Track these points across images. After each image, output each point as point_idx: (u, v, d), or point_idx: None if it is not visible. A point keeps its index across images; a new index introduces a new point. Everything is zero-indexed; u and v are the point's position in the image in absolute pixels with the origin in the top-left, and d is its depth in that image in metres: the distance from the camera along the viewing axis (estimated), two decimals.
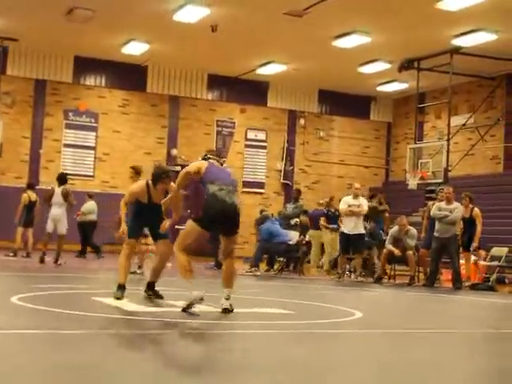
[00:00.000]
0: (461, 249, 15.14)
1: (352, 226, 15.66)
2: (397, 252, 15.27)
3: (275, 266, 17.33)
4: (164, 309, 7.95)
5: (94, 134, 23.81)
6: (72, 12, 18.60)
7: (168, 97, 24.76)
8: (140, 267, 13.38)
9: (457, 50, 19.94)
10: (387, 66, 22.46)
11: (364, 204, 15.95)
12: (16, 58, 22.68)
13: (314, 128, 26.96)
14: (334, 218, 17.79)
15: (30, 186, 17.96)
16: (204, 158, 8.11)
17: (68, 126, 23.53)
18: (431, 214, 15.16)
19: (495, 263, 16.09)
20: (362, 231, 15.90)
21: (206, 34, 19.29)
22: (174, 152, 24.25)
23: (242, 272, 15.50)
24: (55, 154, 23.27)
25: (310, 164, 26.81)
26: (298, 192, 20.00)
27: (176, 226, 10.42)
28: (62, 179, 15.79)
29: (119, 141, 23.96)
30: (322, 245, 18.96)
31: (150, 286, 8.74)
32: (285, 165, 26.22)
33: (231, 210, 7.66)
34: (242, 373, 4.74)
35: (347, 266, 16.46)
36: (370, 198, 18.76)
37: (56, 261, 15.08)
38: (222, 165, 8.28)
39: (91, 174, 23.59)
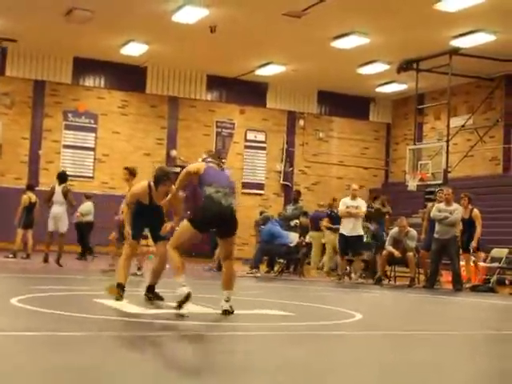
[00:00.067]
0: (460, 250, 15.13)
1: (350, 228, 15.66)
2: (397, 253, 15.26)
3: (275, 268, 17.31)
4: (164, 310, 7.93)
5: (94, 135, 23.81)
6: (71, 13, 18.61)
7: (167, 98, 24.76)
8: (139, 269, 13.37)
9: (456, 51, 19.95)
10: (386, 66, 22.48)
11: (362, 205, 15.95)
12: (15, 59, 22.68)
13: (314, 129, 26.97)
14: (336, 218, 17.76)
15: (30, 187, 17.94)
16: (203, 160, 8.12)
17: (67, 127, 23.53)
18: (431, 215, 15.15)
19: (495, 264, 16.08)
20: (361, 233, 15.89)
21: (204, 35, 19.29)
22: (174, 153, 24.25)
23: (243, 273, 15.50)
24: (54, 155, 23.27)
25: (310, 165, 26.82)
26: (298, 193, 20.01)
27: (177, 228, 10.42)
28: (63, 177, 15.81)
29: (118, 142, 23.96)
30: (323, 246, 18.95)
31: (150, 288, 8.73)
32: (284, 166, 26.22)
33: (228, 212, 7.66)
34: (242, 374, 4.73)
35: (347, 268, 16.47)
36: (374, 199, 18.73)
37: (58, 261, 15.11)
38: (221, 167, 8.27)
39: (91, 175, 23.59)
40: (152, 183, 8.57)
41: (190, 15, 18.29)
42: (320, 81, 25.09)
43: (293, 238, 16.67)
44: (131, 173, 13.27)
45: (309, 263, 19.13)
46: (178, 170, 20.20)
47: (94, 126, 23.83)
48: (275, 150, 26.26)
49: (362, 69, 22.84)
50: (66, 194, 15.46)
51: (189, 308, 7.43)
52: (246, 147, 25.89)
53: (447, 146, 21.09)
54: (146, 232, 9.24)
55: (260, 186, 25.94)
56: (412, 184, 21.63)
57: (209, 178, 7.77)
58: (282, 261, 17.28)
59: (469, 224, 15.15)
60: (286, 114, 26.52)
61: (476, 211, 15.26)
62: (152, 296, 8.68)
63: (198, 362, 5.11)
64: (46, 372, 4.41)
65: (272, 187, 26.16)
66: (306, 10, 17.60)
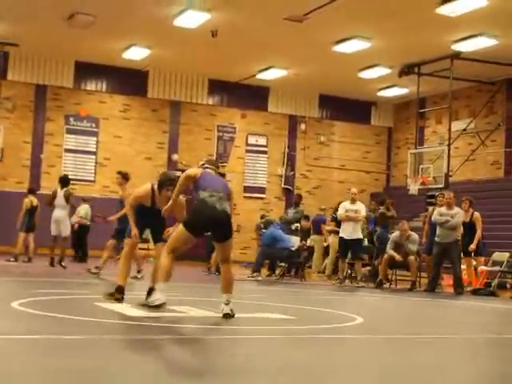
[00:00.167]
0: (462, 254, 15.12)
1: (350, 231, 15.70)
2: (398, 257, 15.26)
3: (277, 271, 17.31)
4: (165, 314, 7.92)
5: (95, 138, 23.84)
6: (73, 17, 18.64)
7: (169, 102, 24.79)
8: (139, 271, 13.38)
9: (457, 55, 19.96)
10: (387, 71, 22.50)
11: (362, 209, 15.99)
12: (17, 63, 22.71)
13: (315, 133, 26.98)
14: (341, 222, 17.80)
15: (32, 190, 17.98)
16: (201, 166, 8.19)
17: (69, 131, 23.56)
18: (432, 219, 15.15)
19: (496, 268, 16.06)
20: (360, 236, 15.96)
21: (206, 39, 19.32)
22: (175, 157, 24.26)
23: (244, 277, 15.51)
24: (56, 159, 23.29)
25: (311, 169, 26.83)
26: (299, 197, 20.05)
27: None
28: (65, 181, 15.87)
29: (120, 146, 23.98)
30: (325, 249, 18.97)
31: (152, 291, 8.73)
32: (285, 170, 26.23)
33: (221, 216, 7.66)
34: (243, 377, 4.73)
35: (348, 271, 16.47)
36: (380, 203, 18.69)
37: (60, 262, 15.14)
38: (221, 174, 8.33)
39: (92, 178, 23.61)
40: (155, 186, 8.64)
41: (191, 20, 18.33)
42: (321, 85, 25.12)
43: (294, 241, 16.68)
44: (124, 177, 13.36)
45: (310, 267, 19.15)
46: (179, 174, 20.23)
47: (95, 130, 23.86)
48: (276, 153, 26.27)
49: (363, 73, 22.86)
50: (67, 197, 15.51)
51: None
52: (248, 151, 25.91)
53: (448, 150, 21.08)
54: (148, 235, 9.28)
55: (261, 190, 25.95)
56: (413, 188, 21.63)
57: (203, 182, 7.81)
58: (283, 264, 17.28)
59: (469, 227, 15.16)
60: (287, 118, 26.54)
61: (476, 214, 15.27)
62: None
63: (199, 365, 5.11)
64: (46, 374, 4.42)
65: (273, 191, 26.17)
66: (307, 14, 17.63)
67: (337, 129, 27.40)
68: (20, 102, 22.96)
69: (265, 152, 26.14)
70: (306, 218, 19.60)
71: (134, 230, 8.67)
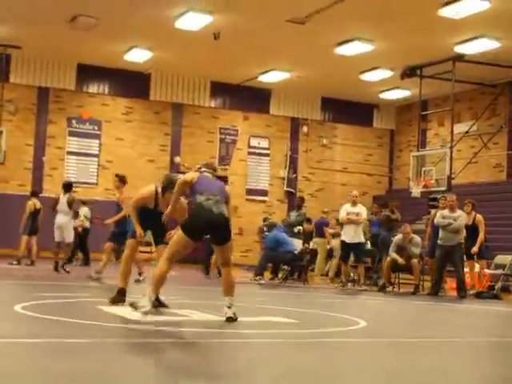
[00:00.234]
0: (465, 257, 15.09)
1: (352, 235, 15.68)
2: (400, 260, 15.23)
3: (279, 275, 17.28)
4: (168, 317, 7.91)
5: (98, 141, 23.85)
6: (75, 20, 18.65)
7: (171, 104, 24.79)
8: (140, 274, 13.37)
9: (459, 58, 19.93)
10: (390, 73, 22.49)
11: (363, 212, 15.96)
12: (19, 66, 22.73)
13: (317, 135, 26.97)
14: None
15: (34, 193, 17.98)
16: (198, 170, 8.21)
17: (71, 134, 23.57)
18: (435, 221, 15.13)
19: (499, 271, 16.04)
20: (362, 239, 15.92)
21: (208, 42, 19.32)
22: (178, 159, 24.27)
23: (246, 280, 15.50)
24: (58, 162, 23.30)
25: (313, 172, 26.81)
26: (302, 200, 20.05)
27: None
28: (67, 187, 15.86)
29: (122, 148, 23.99)
30: (328, 252, 18.96)
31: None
32: (288, 172, 26.21)
33: (219, 219, 7.65)
34: (246, 381, 4.72)
35: (351, 274, 16.46)
36: (382, 206, 18.67)
37: (63, 266, 15.15)
38: (222, 177, 8.35)
39: (94, 181, 23.61)
40: (159, 189, 8.66)
41: (193, 22, 18.32)
42: (323, 87, 25.11)
43: (297, 244, 16.67)
44: (121, 180, 13.36)
45: (312, 270, 19.13)
46: (182, 176, 20.22)
47: (97, 132, 23.87)
48: (279, 156, 26.27)
49: (365, 75, 22.85)
50: (70, 203, 15.51)
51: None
52: (250, 154, 25.90)
53: (451, 153, 21.06)
54: (150, 238, 9.28)
55: (264, 193, 25.93)
56: (416, 191, 21.58)
57: (200, 186, 7.81)
58: (285, 267, 17.26)
59: (472, 230, 15.13)
60: (289, 121, 26.52)
61: (479, 216, 15.25)
62: (157, 303, 8.67)
63: (202, 369, 5.09)
64: (48, 377, 4.41)
65: (276, 194, 26.15)
66: (309, 16, 17.62)
67: (339, 131, 27.39)
68: (22, 105, 22.98)
69: (267, 154, 26.13)
70: (309, 220, 19.60)
71: (139, 230, 8.68)
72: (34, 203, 17.24)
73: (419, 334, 8.14)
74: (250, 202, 25.41)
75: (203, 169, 8.19)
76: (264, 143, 26.09)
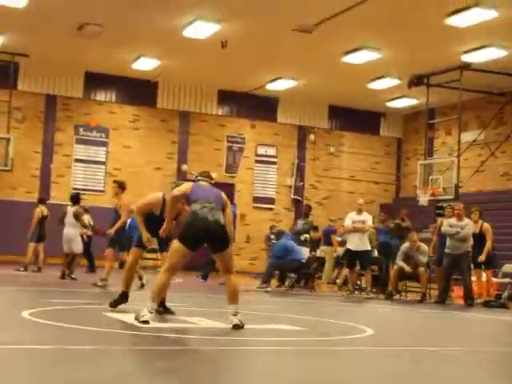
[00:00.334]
0: (472, 265, 15.05)
1: (357, 243, 15.67)
2: (407, 269, 15.20)
3: (286, 282, 17.25)
4: (175, 324, 7.92)
5: (105, 149, 23.89)
6: (82, 28, 18.71)
7: (178, 112, 24.82)
8: (141, 278, 13.38)
9: (466, 66, 19.91)
10: (397, 81, 22.48)
11: (368, 220, 15.94)
12: (27, 74, 22.79)
13: (325, 144, 26.95)
14: None
15: (42, 200, 18.03)
16: (193, 180, 8.25)
17: (78, 141, 23.61)
18: (442, 230, 15.11)
19: (507, 280, 15.99)
20: (368, 247, 15.89)
21: (216, 50, 19.35)
22: (185, 167, 24.23)
23: (253, 288, 15.49)
24: (66, 169, 23.34)
25: (320, 180, 26.79)
26: (309, 208, 20.02)
27: None
28: (75, 199, 15.92)
29: (129, 156, 24.02)
30: (336, 260, 18.93)
31: (161, 302, 8.73)
32: (295, 180, 26.20)
33: (214, 226, 7.65)
34: None
35: (358, 282, 16.42)
36: (389, 215, 18.64)
37: (71, 273, 15.18)
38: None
39: (102, 188, 23.63)
40: (167, 196, 8.67)
41: (200, 30, 18.34)
42: (331, 96, 25.12)
43: (305, 252, 16.65)
44: (120, 186, 13.38)
45: (319, 278, 19.10)
46: None
47: (105, 140, 23.92)
48: (286, 164, 26.26)
49: (372, 84, 22.85)
50: (76, 216, 15.53)
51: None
52: (257, 162, 25.91)
53: (458, 161, 21.02)
54: (156, 245, 9.30)
55: (271, 201, 25.92)
56: (423, 199, 21.53)
57: (193, 195, 7.85)
58: (292, 275, 17.22)
59: (479, 239, 15.09)
60: (296, 129, 26.52)
61: (486, 225, 15.21)
62: (163, 310, 8.69)
63: (210, 377, 5.08)
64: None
65: (283, 202, 26.13)
66: (316, 25, 17.64)
67: (346, 139, 27.37)
68: (30, 113, 23.04)
69: (274, 163, 26.13)
70: (315, 228, 19.58)
71: (146, 235, 8.69)
72: (41, 210, 17.29)
73: (427, 343, 8.11)
74: (257, 209, 25.40)
75: (198, 177, 8.24)
76: (271, 151, 26.10)
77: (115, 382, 4.62)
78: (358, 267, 16.05)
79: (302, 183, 26.32)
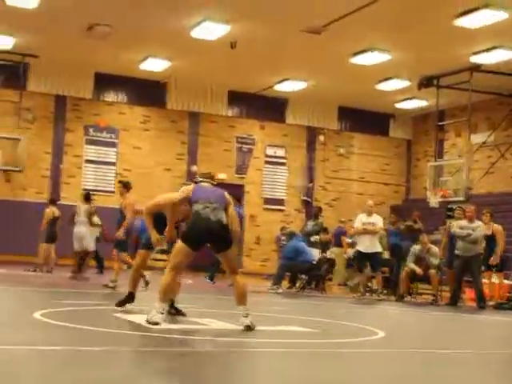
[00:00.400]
0: (483, 267, 15.00)
1: (367, 244, 15.61)
2: (419, 271, 15.16)
3: (297, 284, 17.22)
4: (185, 326, 7.91)
5: (115, 149, 23.91)
6: (92, 28, 18.74)
7: (188, 113, 24.83)
8: (143, 276, 13.36)
9: (476, 68, 19.85)
10: (406, 83, 22.43)
11: (378, 221, 15.87)
12: (37, 75, 22.82)
13: (334, 145, 26.91)
14: None
15: (53, 201, 18.03)
16: (195, 182, 8.28)
17: (88, 142, 23.64)
18: (452, 231, 15.06)
19: None
20: (379, 249, 15.84)
21: (225, 51, 19.36)
22: (194, 168, 24.25)
23: (264, 289, 15.49)
24: (76, 170, 23.37)
25: (330, 181, 26.74)
26: (319, 209, 20.00)
27: None
28: (86, 197, 15.98)
29: (139, 157, 24.03)
30: (347, 261, 18.89)
31: (171, 303, 8.74)
32: (305, 182, 26.15)
33: (216, 226, 7.67)
34: None
35: (369, 284, 16.39)
36: (398, 216, 18.61)
37: (80, 271, 15.21)
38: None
39: (112, 189, 23.63)
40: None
41: (209, 31, 18.33)
42: (340, 97, 25.08)
43: (315, 254, 16.63)
44: (125, 186, 13.41)
45: (330, 279, 19.07)
46: None
47: (115, 140, 23.94)
48: (295, 165, 26.22)
49: (381, 85, 22.80)
50: (88, 214, 15.62)
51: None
52: (266, 163, 25.89)
53: (469, 163, 20.93)
54: (165, 246, 9.31)
55: (280, 202, 25.89)
56: (433, 201, 21.47)
57: (194, 196, 7.88)
58: (303, 277, 17.19)
59: (491, 240, 15.04)
60: (305, 130, 26.48)
61: (497, 226, 15.15)
62: (174, 311, 8.70)
63: (221, 379, 5.07)
64: None
65: (293, 203, 26.08)
66: (325, 26, 17.61)
67: (356, 141, 27.32)
68: (40, 113, 23.08)
69: (283, 164, 26.11)
70: (325, 230, 19.54)
71: (155, 235, 8.68)
72: (52, 211, 17.29)
73: (438, 345, 8.08)
74: (268, 211, 25.37)
75: (200, 179, 8.27)
76: (280, 152, 26.08)
77: (122, 383, 4.62)
78: (368, 269, 16.01)
79: (311, 184, 26.27)
